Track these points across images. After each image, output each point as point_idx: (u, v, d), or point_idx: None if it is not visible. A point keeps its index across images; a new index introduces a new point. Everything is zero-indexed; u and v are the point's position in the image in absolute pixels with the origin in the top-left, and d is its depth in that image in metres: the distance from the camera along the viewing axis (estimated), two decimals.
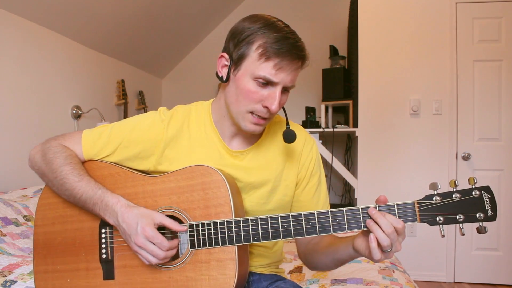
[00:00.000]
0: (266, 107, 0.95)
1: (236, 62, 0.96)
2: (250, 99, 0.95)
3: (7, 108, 2.47)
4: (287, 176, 1.09)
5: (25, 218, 2.00)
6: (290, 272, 1.69)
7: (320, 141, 3.38)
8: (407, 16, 3.21)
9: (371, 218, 0.87)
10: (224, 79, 1.00)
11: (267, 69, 0.92)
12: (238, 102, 0.97)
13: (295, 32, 0.97)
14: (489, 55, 3.11)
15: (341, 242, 0.99)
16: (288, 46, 0.91)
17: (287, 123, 1.05)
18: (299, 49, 0.93)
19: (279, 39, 0.91)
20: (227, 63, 0.99)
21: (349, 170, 3.69)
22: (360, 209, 0.89)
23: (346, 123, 3.70)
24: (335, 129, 3.42)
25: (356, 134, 3.29)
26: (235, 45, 0.96)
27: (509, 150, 3.10)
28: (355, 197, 3.29)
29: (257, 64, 0.93)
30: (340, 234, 0.97)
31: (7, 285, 1.43)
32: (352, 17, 3.55)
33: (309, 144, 1.13)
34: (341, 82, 3.51)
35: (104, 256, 1.04)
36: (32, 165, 1.10)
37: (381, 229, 0.85)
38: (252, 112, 0.97)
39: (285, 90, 0.97)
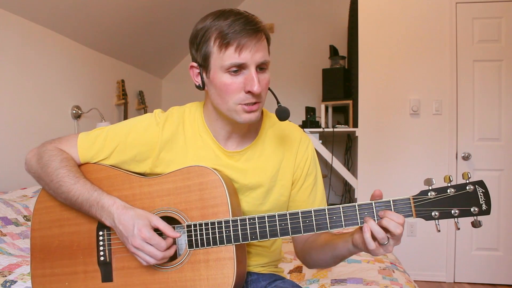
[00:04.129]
0: (248, 91, 0.93)
1: (203, 64, 0.97)
2: (231, 91, 0.94)
3: (7, 108, 2.47)
4: (282, 176, 1.09)
5: (25, 218, 2.00)
6: (290, 272, 1.68)
7: (320, 141, 3.38)
8: (407, 16, 3.21)
9: (368, 216, 0.88)
10: (202, 86, 1.00)
11: (230, 55, 0.92)
12: (222, 99, 0.96)
13: (246, 12, 0.97)
14: (489, 55, 3.11)
15: (339, 238, 0.99)
16: (240, 26, 0.91)
17: (278, 102, 1.04)
18: (252, 23, 0.93)
19: (230, 24, 0.92)
20: (198, 70, 1.00)
21: (349, 170, 3.69)
22: (357, 206, 0.90)
23: (346, 123, 3.70)
24: (335, 129, 3.41)
25: (356, 134, 3.29)
26: (197, 50, 0.98)
27: (509, 150, 3.10)
28: (355, 197, 3.29)
29: (220, 56, 0.93)
30: (336, 230, 0.97)
31: (7, 285, 1.43)
32: (352, 17, 3.55)
33: (304, 144, 1.13)
34: (341, 82, 3.51)
35: (102, 258, 1.04)
36: (29, 169, 1.10)
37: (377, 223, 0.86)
38: (240, 104, 0.96)
39: (261, 69, 0.96)
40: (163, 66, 4.54)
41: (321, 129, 3.42)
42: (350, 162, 3.94)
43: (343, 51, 3.98)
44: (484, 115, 3.12)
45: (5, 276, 1.48)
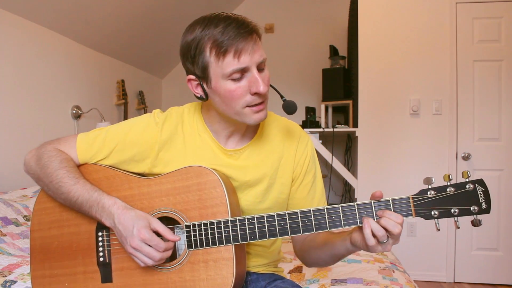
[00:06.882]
0: (255, 93, 0.93)
1: (203, 76, 0.96)
2: (237, 96, 0.94)
3: (7, 108, 2.48)
4: (282, 174, 1.09)
5: (25, 218, 2.00)
6: (290, 272, 1.69)
7: (320, 141, 3.38)
8: (407, 16, 3.21)
9: (368, 216, 0.89)
10: (204, 97, 0.99)
11: (229, 62, 0.90)
12: (228, 106, 0.96)
13: (233, 14, 0.95)
14: (489, 55, 3.11)
15: (337, 238, 0.99)
16: (233, 31, 0.90)
17: (282, 97, 1.04)
18: (244, 26, 0.91)
19: (222, 31, 0.90)
20: (197, 82, 0.98)
21: (349, 170, 3.69)
22: (356, 206, 0.90)
23: (346, 123, 3.70)
24: (335, 129, 3.42)
25: (356, 134, 3.29)
26: (192, 63, 0.95)
27: (509, 150, 3.09)
28: (355, 197, 3.29)
29: (219, 65, 0.91)
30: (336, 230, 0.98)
31: (7, 285, 1.43)
32: (352, 17, 3.55)
33: (304, 141, 1.13)
34: (341, 82, 3.51)
35: (101, 259, 1.04)
36: (28, 170, 1.09)
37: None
38: (247, 106, 0.95)
39: (260, 69, 0.95)
40: (163, 66, 4.54)
41: (321, 129, 3.42)
42: (350, 162, 3.94)
43: (343, 51, 3.98)
44: (484, 115, 3.12)
45: (5, 276, 1.48)
